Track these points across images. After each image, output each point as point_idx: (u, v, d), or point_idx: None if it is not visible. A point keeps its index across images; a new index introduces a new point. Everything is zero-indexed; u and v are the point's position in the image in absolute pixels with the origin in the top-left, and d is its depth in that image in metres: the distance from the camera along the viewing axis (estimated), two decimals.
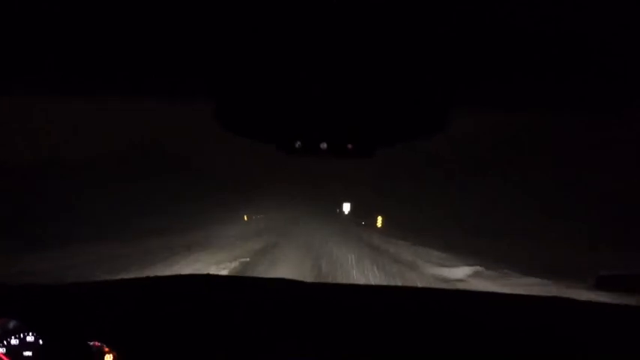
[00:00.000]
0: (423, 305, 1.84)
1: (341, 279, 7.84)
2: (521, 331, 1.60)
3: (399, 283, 7.64)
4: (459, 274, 9.06)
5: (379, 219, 21.54)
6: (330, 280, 7.56)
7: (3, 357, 1.44)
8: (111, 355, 1.41)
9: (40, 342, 1.44)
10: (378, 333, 1.52)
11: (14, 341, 1.46)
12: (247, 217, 22.51)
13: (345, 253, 11.47)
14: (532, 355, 1.45)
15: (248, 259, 9.76)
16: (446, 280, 8.36)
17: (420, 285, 7.29)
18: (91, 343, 1.40)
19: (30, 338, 1.46)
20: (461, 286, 7.79)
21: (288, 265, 9.10)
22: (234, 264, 9.11)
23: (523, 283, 8.20)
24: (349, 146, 1.59)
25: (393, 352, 1.44)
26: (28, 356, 1.45)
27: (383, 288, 2.76)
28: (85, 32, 1.50)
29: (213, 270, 8.24)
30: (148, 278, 1.99)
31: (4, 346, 1.46)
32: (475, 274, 9.03)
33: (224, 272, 8.26)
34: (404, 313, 1.70)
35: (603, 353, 1.46)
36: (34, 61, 1.63)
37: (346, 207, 28.99)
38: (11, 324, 1.48)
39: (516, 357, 1.44)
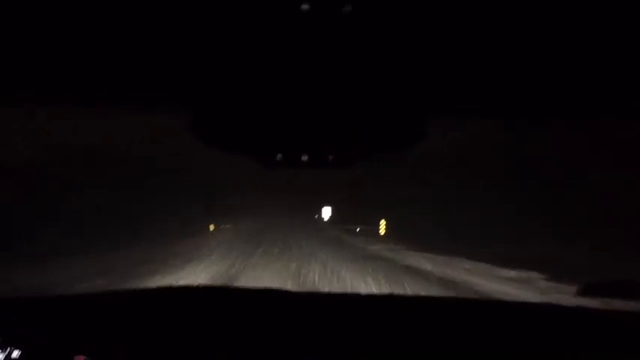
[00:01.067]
0: (411, 313, 1.87)
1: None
2: (507, 335, 1.64)
3: None
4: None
5: (382, 224, 17.86)
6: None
7: None
8: None
9: (25, 357, 1.45)
10: (368, 342, 1.55)
11: (0, 356, 1.47)
12: (214, 227, 20.24)
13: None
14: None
15: None
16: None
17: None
18: (76, 358, 1.40)
19: (15, 354, 1.47)
20: None
21: None
22: None
23: None
24: (330, 157, 1.61)
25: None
26: None
27: (371, 297, 2.79)
28: (65, 39, 1.51)
29: None
30: (134, 291, 2.01)
31: None
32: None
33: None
34: (392, 322, 1.74)
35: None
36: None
37: (326, 212, 26.32)
38: None
39: None
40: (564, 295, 6.57)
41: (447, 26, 1.47)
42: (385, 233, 17.76)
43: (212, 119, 1.58)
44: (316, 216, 27.31)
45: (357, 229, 19.99)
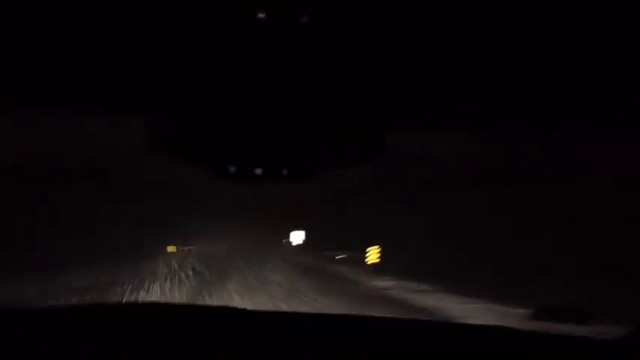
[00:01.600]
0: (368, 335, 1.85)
1: None
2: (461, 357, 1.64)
3: None
4: None
5: (373, 251, 14.23)
6: None
7: None
8: None
9: None
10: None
11: None
12: (173, 249, 18.09)
13: None
14: None
15: None
16: None
17: None
18: None
19: None
20: None
21: None
22: None
23: None
24: (284, 172, 1.60)
25: None
26: None
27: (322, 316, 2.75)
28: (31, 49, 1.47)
29: None
30: (106, 304, 1.93)
31: None
32: None
33: None
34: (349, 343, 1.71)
35: None
36: None
37: (296, 237, 23.42)
38: None
39: None
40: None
41: (414, 35, 1.48)
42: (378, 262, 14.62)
43: (166, 129, 1.55)
44: (284, 240, 26.02)
45: (338, 257, 17.57)
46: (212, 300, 8.34)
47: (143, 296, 8.04)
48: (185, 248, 18.81)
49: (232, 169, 1.58)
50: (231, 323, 1.89)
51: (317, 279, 10.48)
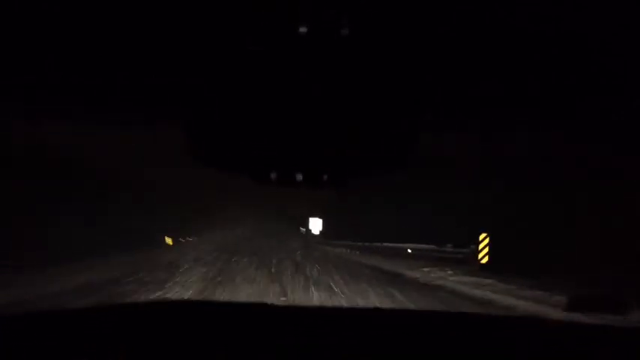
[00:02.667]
0: (399, 327, 1.83)
1: None
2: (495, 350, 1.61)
3: None
4: None
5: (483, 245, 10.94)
6: None
7: None
8: None
9: None
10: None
11: None
12: (171, 241, 17.61)
13: None
14: None
15: None
16: None
17: None
18: None
19: None
20: None
21: None
22: None
23: None
24: (324, 177, 1.58)
25: None
26: None
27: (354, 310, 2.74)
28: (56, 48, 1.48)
29: None
30: (123, 305, 1.93)
31: None
32: None
33: None
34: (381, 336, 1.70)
35: None
36: None
37: (314, 224, 21.34)
38: None
39: None
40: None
41: (440, 42, 1.48)
42: (486, 261, 10.87)
43: (207, 137, 1.55)
44: (302, 229, 22.53)
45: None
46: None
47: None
48: (188, 239, 18.34)
49: (273, 175, 1.57)
50: (261, 319, 1.89)
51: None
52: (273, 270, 10.60)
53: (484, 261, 10.50)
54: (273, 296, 7.51)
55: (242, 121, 1.57)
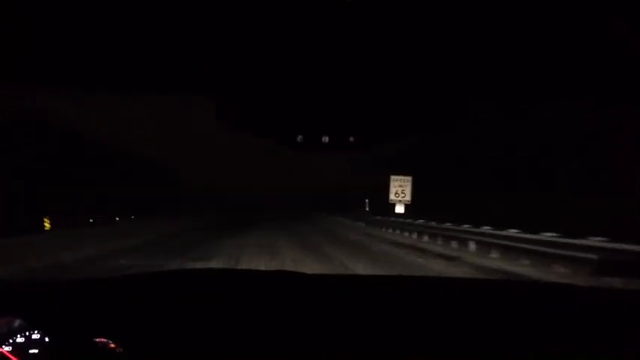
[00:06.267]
0: (422, 294, 1.88)
1: None
2: (522, 318, 1.65)
3: None
4: None
5: None
6: None
7: (9, 355, 1.46)
8: (117, 350, 1.43)
9: (46, 340, 1.47)
10: (385, 326, 1.56)
11: (20, 339, 1.49)
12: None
13: None
14: (533, 343, 1.49)
15: None
16: None
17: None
18: (97, 340, 1.42)
19: (35, 336, 1.49)
20: None
21: None
22: None
23: None
24: (351, 139, 1.62)
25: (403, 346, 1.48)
26: (34, 354, 1.48)
27: (384, 278, 2.80)
28: (81, 28, 1.52)
29: None
30: (150, 274, 2.02)
31: (10, 344, 1.48)
32: None
33: None
34: (409, 304, 1.75)
35: (603, 341, 1.50)
36: None
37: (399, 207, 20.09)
38: (16, 322, 1.51)
39: (517, 345, 1.48)
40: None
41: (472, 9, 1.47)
42: None
43: (233, 102, 1.59)
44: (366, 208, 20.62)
45: None
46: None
47: None
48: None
49: (300, 137, 1.60)
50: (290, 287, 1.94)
51: None
52: None
53: None
54: None
55: (269, 85, 1.61)
